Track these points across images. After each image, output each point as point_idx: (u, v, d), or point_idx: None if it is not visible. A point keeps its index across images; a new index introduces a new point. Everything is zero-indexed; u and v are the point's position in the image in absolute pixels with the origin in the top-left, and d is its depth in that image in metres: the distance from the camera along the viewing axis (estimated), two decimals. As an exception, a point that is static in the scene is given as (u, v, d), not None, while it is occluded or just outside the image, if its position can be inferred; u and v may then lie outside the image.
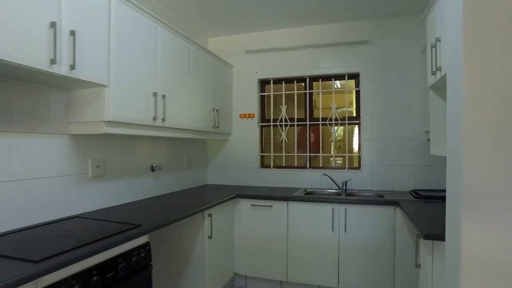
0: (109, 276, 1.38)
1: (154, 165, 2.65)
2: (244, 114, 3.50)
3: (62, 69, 1.47)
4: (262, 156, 3.53)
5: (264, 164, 3.54)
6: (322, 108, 3.43)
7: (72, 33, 1.50)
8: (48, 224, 1.70)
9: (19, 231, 1.55)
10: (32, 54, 1.33)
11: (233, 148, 3.53)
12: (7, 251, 1.25)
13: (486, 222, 0.93)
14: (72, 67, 1.51)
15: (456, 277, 0.98)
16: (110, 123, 1.79)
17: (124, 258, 1.49)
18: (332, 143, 3.35)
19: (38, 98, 1.73)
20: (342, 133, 3.41)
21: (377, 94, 3.10)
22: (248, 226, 2.83)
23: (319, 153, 3.40)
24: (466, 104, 0.95)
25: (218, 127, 3.10)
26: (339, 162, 3.43)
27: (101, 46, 1.71)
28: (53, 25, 1.40)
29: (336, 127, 3.26)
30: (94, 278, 1.30)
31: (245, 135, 3.50)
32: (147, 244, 1.66)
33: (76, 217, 1.88)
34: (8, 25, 1.24)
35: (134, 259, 1.54)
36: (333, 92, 3.28)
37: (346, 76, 3.25)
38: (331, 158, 3.42)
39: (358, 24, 3.16)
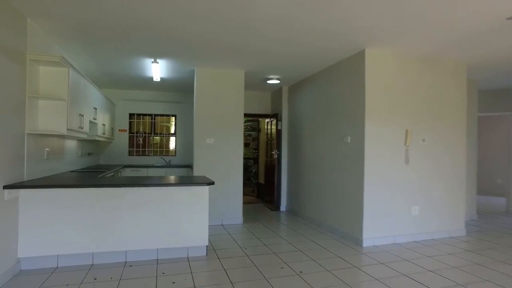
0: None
1: (89, 152, 6.03)
2: (121, 129, 7.15)
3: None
4: (129, 150, 7.26)
5: (130, 154, 7.27)
6: (159, 128, 7.53)
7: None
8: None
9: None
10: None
11: (115, 145, 7.10)
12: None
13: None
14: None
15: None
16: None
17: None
18: (160, 143, 7.50)
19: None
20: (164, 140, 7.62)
21: (183, 123, 7.49)
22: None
23: (161, 148, 7.47)
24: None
25: (112, 136, 6.67)
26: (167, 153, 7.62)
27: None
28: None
29: (158, 137, 7.45)
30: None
31: (121, 140, 7.14)
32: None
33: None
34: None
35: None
36: (164, 122, 7.46)
37: (171, 115, 7.49)
38: (163, 151, 7.57)
39: (176, 93, 7.45)
